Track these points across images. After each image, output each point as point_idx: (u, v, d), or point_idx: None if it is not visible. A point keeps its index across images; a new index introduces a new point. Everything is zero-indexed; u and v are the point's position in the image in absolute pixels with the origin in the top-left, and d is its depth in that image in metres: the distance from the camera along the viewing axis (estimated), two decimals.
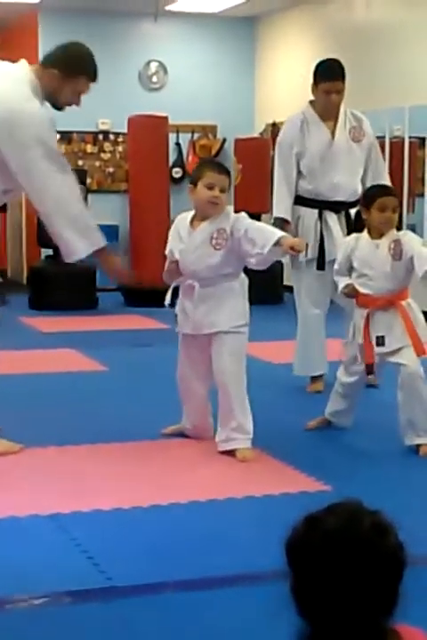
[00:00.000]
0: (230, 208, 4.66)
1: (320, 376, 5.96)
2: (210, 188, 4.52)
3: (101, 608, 3.03)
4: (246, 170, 10.56)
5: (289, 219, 5.95)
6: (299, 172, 5.95)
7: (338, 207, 5.89)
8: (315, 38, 10.92)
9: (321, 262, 5.87)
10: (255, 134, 11.67)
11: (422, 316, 4.67)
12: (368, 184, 5.94)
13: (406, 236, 4.65)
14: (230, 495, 4.08)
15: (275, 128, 11.50)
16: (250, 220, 4.55)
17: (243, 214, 4.59)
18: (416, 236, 4.74)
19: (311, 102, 5.99)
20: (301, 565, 1.48)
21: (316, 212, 5.87)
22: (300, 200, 5.97)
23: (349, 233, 5.78)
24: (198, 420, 4.87)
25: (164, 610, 3.00)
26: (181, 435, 4.92)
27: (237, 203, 10.83)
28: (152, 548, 3.52)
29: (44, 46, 11.24)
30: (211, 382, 4.74)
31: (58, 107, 4.65)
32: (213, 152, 12.06)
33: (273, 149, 11.06)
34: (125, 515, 3.84)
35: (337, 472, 4.37)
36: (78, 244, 4.50)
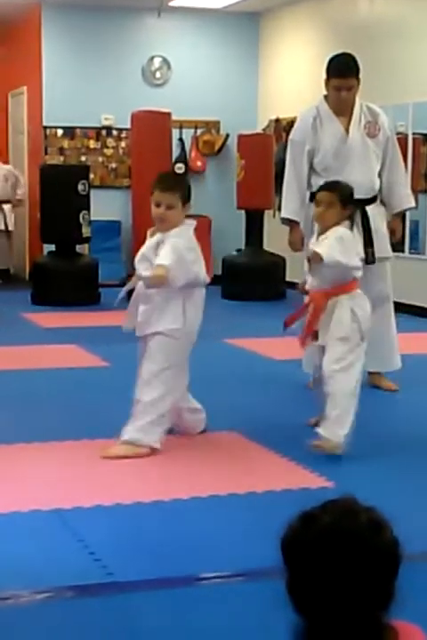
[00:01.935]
0: (191, 223, 4.65)
1: None
2: (157, 205, 4.57)
3: (103, 603, 3.03)
4: (249, 165, 10.55)
5: (297, 219, 5.88)
6: (312, 169, 5.85)
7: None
8: (318, 34, 10.91)
9: None
10: (258, 130, 11.66)
11: (347, 317, 4.58)
12: (385, 180, 5.90)
13: (331, 233, 4.63)
14: (232, 491, 4.08)
15: (278, 124, 11.50)
16: (174, 241, 4.51)
17: (173, 237, 4.54)
18: (343, 235, 4.60)
19: (325, 97, 5.88)
20: (296, 562, 1.48)
21: None
22: (314, 197, 5.90)
23: (365, 231, 5.76)
24: (175, 418, 4.85)
25: (165, 605, 3.00)
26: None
27: (239, 199, 10.85)
28: (154, 543, 3.52)
29: (48, 41, 11.30)
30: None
31: None
32: (216, 148, 12.05)
33: (276, 145, 11.11)
34: (127, 510, 3.85)
35: (339, 468, 4.37)
36: None
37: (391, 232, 6.03)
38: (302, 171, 5.83)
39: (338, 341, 4.56)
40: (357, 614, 1.46)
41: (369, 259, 5.70)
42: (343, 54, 5.91)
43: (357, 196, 5.77)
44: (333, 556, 1.45)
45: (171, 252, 4.46)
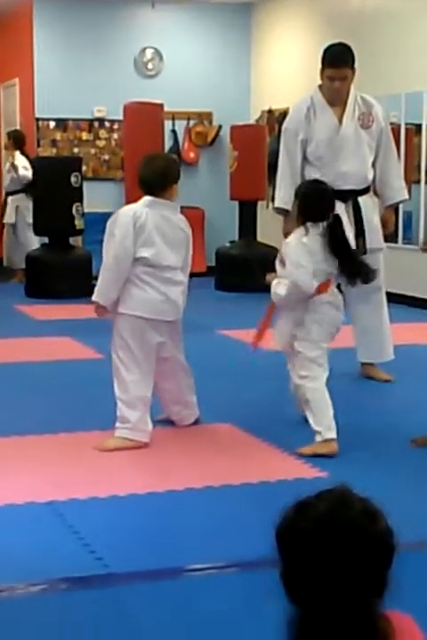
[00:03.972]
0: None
1: None
2: None
3: (98, 594, 3.04)
4: (242, 157, 10.54)
5: (290, 208, 5.89)
6: (305, 159, 5.82)
7: (346, 196, 5.73)
8: (311, 25, 10.89)
9: None
10: (251, 121, 11.65)
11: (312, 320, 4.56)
12: (378, 171, 5.86)
13: (285, 248, 4.59)
14: (227, 482, 4.09)
15: (271, 115, 11.48)
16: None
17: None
18: (292, 249, 4.53)
19: (320, 86, 5.84)
20: (291, 551, 1.49)
21: None
22: None
23: (356, 222, 5.73)
24: (166, 408, 4.93)
25: (160, 596, 3.01)
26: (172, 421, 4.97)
27: (233, 190, 10.84)
28: (148, 534, 3.53)
29: (40, 33, 11.27)
30: (152, 371, 4.71)
31: None
32: (209, 139, 12.04)
33: (269, 136, 11.10)
34: (122, 501, 3.85)
35: (333, 458, 4.38)
36: None
37: (384, 224, 6.01)
38: (295, 160, 5.81)
39: (304, 345, 4.54)
40: (351, 603, 1.47)
41: (360, 250, 5.70)
42: (338, 44, 5.87)
43: (349, 186, 5.76)
44: (327, 545, 1.46)
45: None
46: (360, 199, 5.79)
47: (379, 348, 6.02)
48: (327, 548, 1.46)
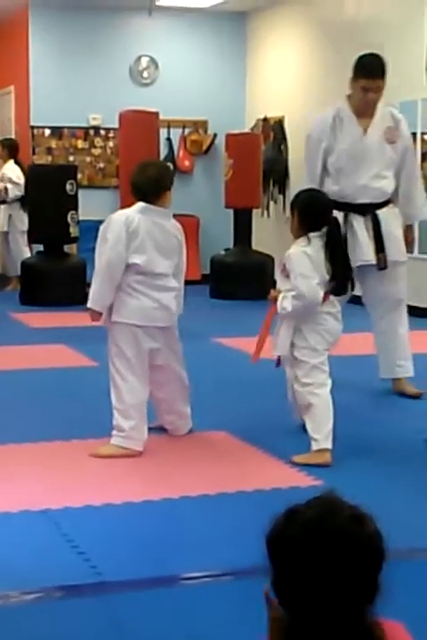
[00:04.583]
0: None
1: None
2: None
3: (92, 603, 3.03)
4: (237, 165, 10.55)
5: None
6: (325, 171, 5.69)
7: (365, 209, 5.64)
8: (306, 33, 10.92)
9: None
10: (246, 129, 11.66)
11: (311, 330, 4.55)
12: (401, 189, 5.73)
13: (287, 262, 4.53)
14: (221, 490, 4.09)
15: (266, 123, 11.50)
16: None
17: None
18: (295, 260, 4.46)
19: (348, 96, 5.70)
20: (281, 558, 1.49)
21: (341, 214, 5.40)
22: None
23: (376, 236, 5.61)
24: (160, 417, 4.93)
25: (154, 605, 3.00)
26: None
27: (228, 198, 10.85)
28: (143, 543, 3.52)
29: (35, 41, 11.28)
30: (147, 378, 4.71)
31: None
32: (204, 147, 12.06)
33: (264, 144, 11.11)
34: (116, 510, 3.84)
35: (328, 467, 4.38)
36: None
37: (405, 240, 5.85)
38: (315, 169, 5.68)
39: (305, 353, 4.54)
40: (341, 608, 1.47)
41: (381, 264, 5.63)
42: (371, 54, 5.73)
43: (368, 200, 5.63)
44: (316, 551, 1.46)
45: None
46: (379, 212, 5.66)
47: (397, 364, 5.83)
48: (316, 554, 1.46)
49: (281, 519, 1.52)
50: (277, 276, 4.66)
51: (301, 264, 4.46)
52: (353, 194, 5.64)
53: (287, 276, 4.52)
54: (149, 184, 4.66)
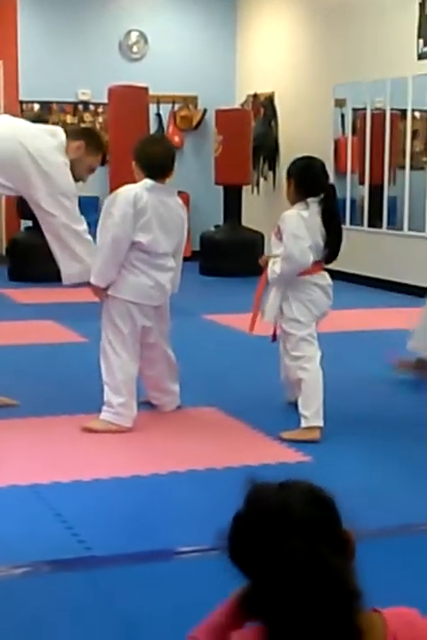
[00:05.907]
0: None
1: None
2: None
3: (80, 577, 3.03)
4: (227, 141, 10.52)
5: None
6: None
7: None
8: (296, 10, 10.86)
9: None
10: (236, 105, 11.62)
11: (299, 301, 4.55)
12: None
13: (281, 223, 4.53)
14: (211, 466, 4.09)
15: (256, 99, 11.46)
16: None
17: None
18: (289, 221, 4.47)
19: None
20: (245, 564, 1.49)
21: None
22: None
23: None
24: (148, 393, 4.95)
25: (143, 579, 3.01)
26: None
27: (218, 174, 10.82)
28: (132, 518, 3.53)
29: (23, 15, 11.17)
30: (138, 355, 4.70)
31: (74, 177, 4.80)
32: (194, 123, 12.01)
33: (254, 120, 11.07)
34: (105, 485, 3.85)
35: (317, 443, 4.39)
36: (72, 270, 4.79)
37: None
38: None
39: (292, 325, 4.55)
40: (317, 598, 1.45)
41: None
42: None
43: None
44: (276, 544, 1.45)
45: None
46: None
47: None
48: (276, 546, 1.50)
49: (238, 522, 1.51)
50: (272, 240, 4.65)
51: (294, 225, 4.46)
52: None
53: (281, 239, 4.52)
54: (158, 161, 4.63)
